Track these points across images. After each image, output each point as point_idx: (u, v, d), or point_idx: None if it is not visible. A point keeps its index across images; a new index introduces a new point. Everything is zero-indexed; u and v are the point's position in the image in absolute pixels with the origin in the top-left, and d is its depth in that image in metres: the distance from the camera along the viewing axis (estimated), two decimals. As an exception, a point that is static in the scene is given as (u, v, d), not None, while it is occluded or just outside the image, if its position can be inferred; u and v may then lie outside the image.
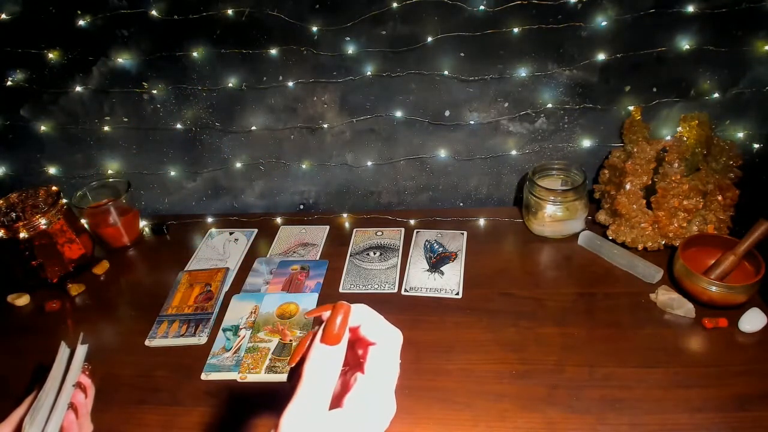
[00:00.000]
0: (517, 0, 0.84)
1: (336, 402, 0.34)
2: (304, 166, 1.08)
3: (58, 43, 0.96)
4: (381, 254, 0.95)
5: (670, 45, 0.87)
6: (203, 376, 0.75)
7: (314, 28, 0.91)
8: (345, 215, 1.07)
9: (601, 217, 0.94)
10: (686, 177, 0.86)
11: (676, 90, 0.92)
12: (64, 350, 0.64)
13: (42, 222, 0.89)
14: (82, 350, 0.64)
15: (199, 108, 1.02)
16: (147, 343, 0.81)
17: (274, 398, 0.71)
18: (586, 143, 0.99)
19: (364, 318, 0.37)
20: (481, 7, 0.86)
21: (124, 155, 1.09)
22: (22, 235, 0.88)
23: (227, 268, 0.94)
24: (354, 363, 0.39)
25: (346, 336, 0.36)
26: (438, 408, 0.67)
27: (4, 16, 0.93)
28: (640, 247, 0.88)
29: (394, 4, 0.87)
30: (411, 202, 1.11)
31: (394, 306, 0.84)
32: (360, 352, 0.38)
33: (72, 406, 0.58)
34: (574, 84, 0.93)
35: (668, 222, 0.86)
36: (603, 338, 0.74)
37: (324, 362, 0.34)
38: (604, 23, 0.86)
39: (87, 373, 0.63)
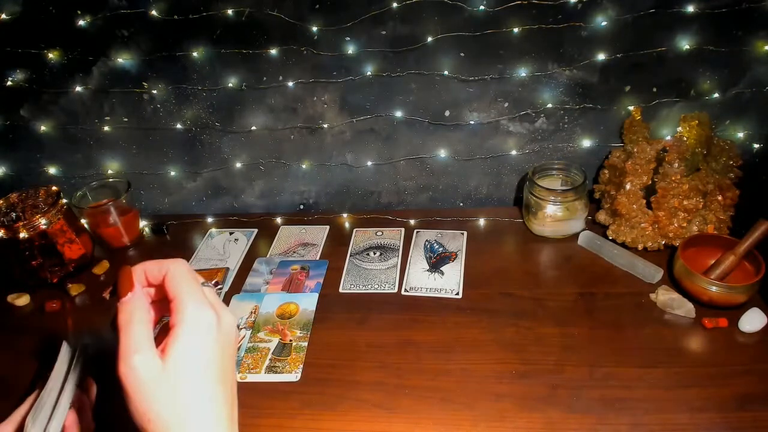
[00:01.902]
0: (517, 0, 0.84)
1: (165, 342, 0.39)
2: (304, 166, 1.08)
3: (58, 43, 0.96)
4: (381, 254, 0.95)
5: (670, 45, 0.87)
6: (203, 376, 0.75)
7: (314, 28, 0.91)
8: (345, 215, 1.07)
9: (601, 217, 0.94)
10: (686, 177, 0.86)
11: (676, 90, 0.92)
12: (65, 349, 0.64)
13: (42, 222, 0.89)
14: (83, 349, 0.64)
15: (199, 108, 1.02)
16: (147, 343, 0.81)
17: (275, 398, 0.71)
18: (586, 143, 0.99)
19: (172, 273, 0.42)
20: (481, 7, 0.86)
21: (124, 155, 1.09)
22: (22, 235, 0.88)
23: (227, 268, 0.94)
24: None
25: (138, 289, 0.41)
26: (438, 408, 0.67)
27: (4, 16, 0.93)
28: (640, 247, 0.88)
29: (394, 4, 0.87)
30: (411, 202, 1.11)
31: (394, 306, 0.84)
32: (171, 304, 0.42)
33: (74, 406, 0.58)
34: (574, 84, 0.93)
35: (668, 222, 0.86)
36: (603, 338, 0.74)
37: (124, 313, 0.39)
38: (604, 23, 0.86)
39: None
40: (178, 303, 0.39)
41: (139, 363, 0.36)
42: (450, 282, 0.87)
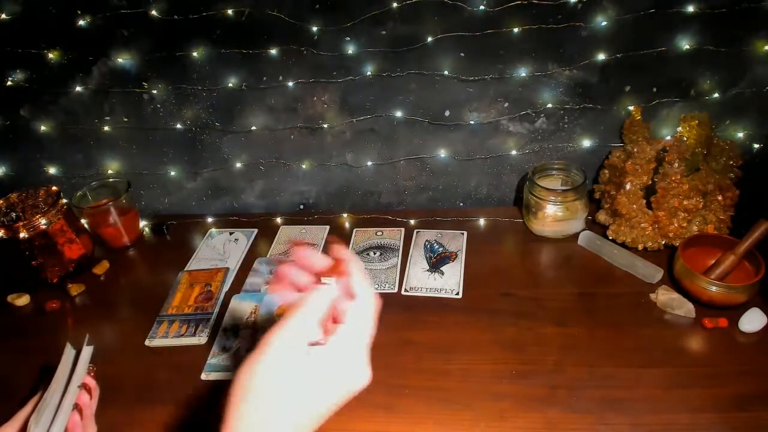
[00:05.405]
0: (517, 0, 0.84)
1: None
2: (304, 166, 1.08)
3: (58, 43, 0.96)
4: (381, 254, 0.95)
5: (670, 45, 0.87)
6: (203, 376, 0.75)
7: (314, 28, 0.91)
8: (345, 215, 1.07)
9: (601, 217, 0.94)
10: (686, 177, 0.86)
11: (676, 90, 0.92)
12: (69, 351, 0.64)
13: (42, 222, 0.89)
14: (87, 351, 0.64)
15: (199, 108, 1.02)
16: (147, 343, 0.81)
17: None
18: (586, 143, 0.99)
19: (355, 269, 0.42)
20: (481, 7, 0.86)
21: (124, 155, 1.09)
22: (22, 235, 0.88)
23: (227, 268, 0.94)
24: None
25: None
26: (438, 408, 0.67)
27: (4, 16, 0.93)
28: (640, 247, 0.88)
29: (394, 4, 0.87)
30: (411, 202, 1.11)
31: (394, 306, 0.84)
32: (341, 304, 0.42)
33: (77, 407, 0.58)
34: (574, 84, 0.93)
35: (668, 222, 0.86)
36: (603, 338, 0.74)
37: (321, 293, 0.40)
38: (604, 23, 0.86)
39: (92, 374, 0.63)
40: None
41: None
42: (450, 282, 0.87)
